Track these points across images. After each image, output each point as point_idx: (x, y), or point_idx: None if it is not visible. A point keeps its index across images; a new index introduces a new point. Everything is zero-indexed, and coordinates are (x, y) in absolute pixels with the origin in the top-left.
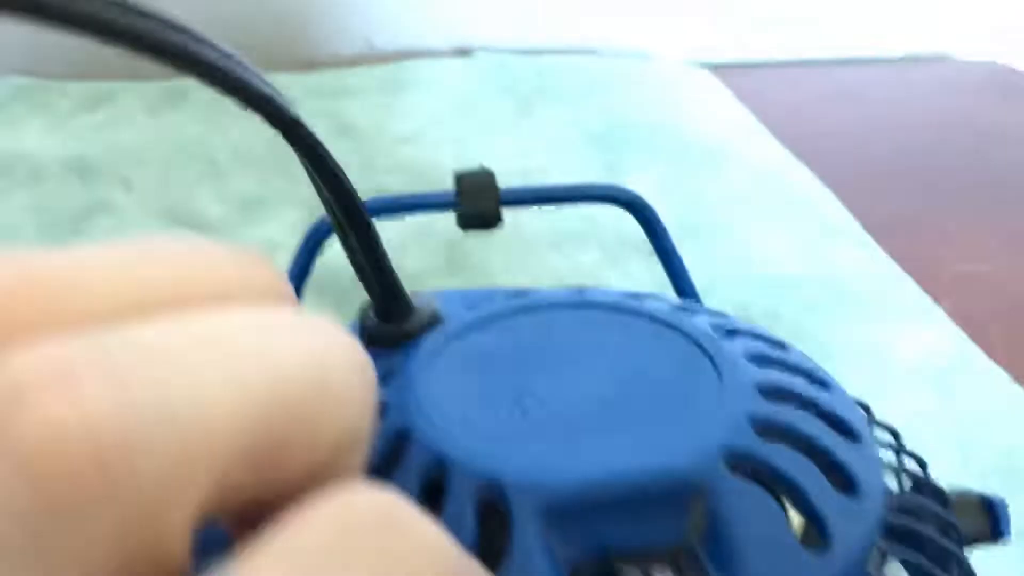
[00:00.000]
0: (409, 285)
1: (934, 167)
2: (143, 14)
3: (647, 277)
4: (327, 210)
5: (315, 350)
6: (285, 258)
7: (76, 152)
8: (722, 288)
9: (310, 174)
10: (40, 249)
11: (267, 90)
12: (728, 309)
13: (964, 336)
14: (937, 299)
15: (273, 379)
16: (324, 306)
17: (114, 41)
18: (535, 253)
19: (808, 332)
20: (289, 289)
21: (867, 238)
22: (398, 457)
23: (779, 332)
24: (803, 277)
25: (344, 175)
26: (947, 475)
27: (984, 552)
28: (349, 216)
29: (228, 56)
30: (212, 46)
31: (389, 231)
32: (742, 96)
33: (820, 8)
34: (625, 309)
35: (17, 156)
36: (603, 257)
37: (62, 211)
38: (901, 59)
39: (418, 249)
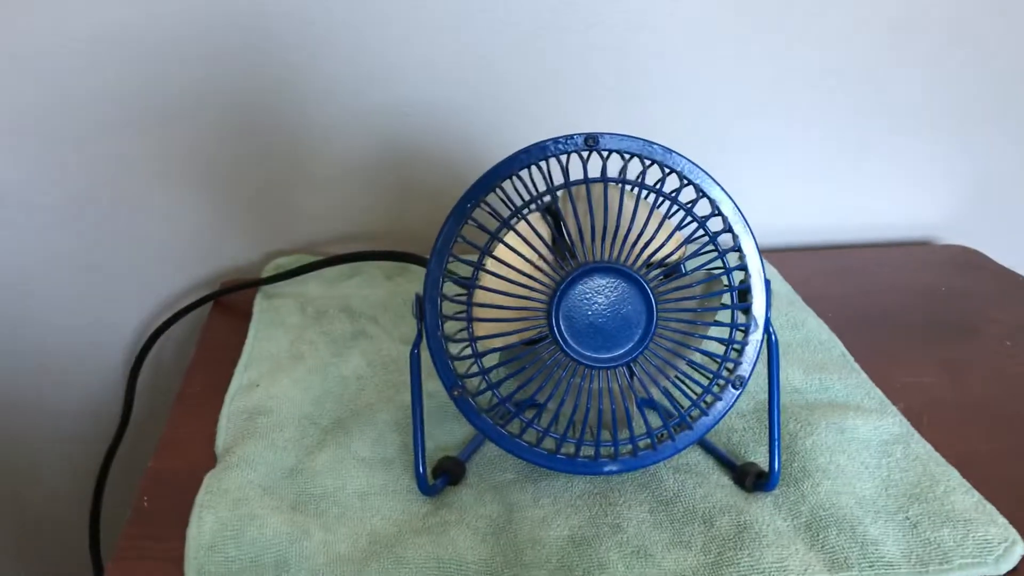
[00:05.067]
0: None
1: (901, 318)
2: None
3: None
4: None
5: None
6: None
7: (343, 301)
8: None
9: None
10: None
11: None
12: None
13: (908, 423)
14: (894, 400)
15: None
16: None
17: None
18: None
19: (807, 419)
20: None
21: (854, 364)
22: None
23: (792, 420)
24: (811, 388)
25: None
26: (872, 494)
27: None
28: None
29: None
30: None
31: None
32: (778, 268)
33: (830, 206)
34: None
35: (307, 300)
36: None
37: (338, 335)
38: (897, 243)
39: None
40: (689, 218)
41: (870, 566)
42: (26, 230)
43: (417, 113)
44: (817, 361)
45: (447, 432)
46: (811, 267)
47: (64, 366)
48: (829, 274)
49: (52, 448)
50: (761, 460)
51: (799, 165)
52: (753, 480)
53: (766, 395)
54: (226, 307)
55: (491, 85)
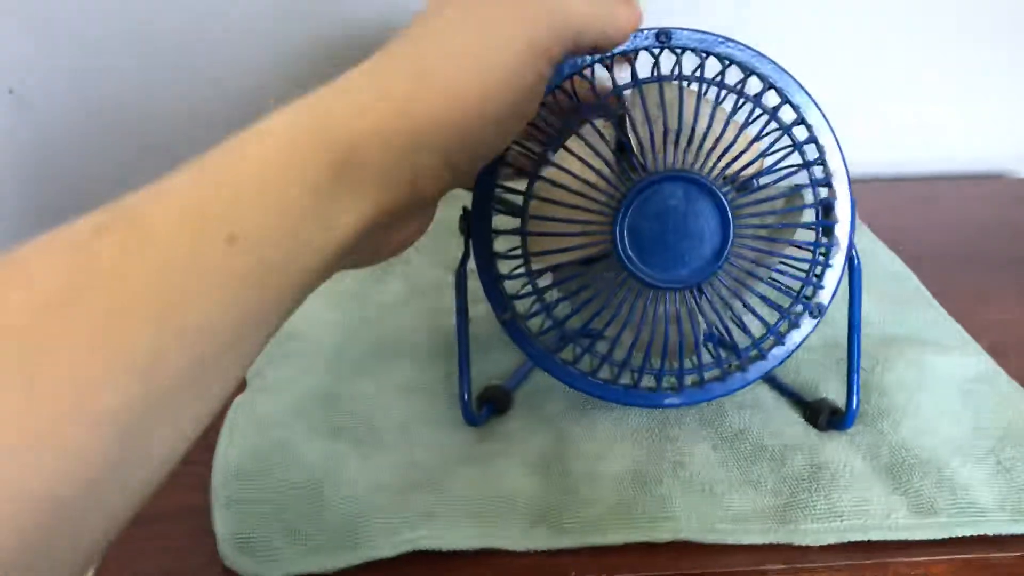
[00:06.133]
0: None
1: (981, 253)
2: None
3: None
4: None
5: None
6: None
7: None
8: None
9: None
10: None
11: None
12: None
13: (992, 362)
14: (976, 338)
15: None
16: None
17: None
18: None
19: (883, 355)
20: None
21: (931, 299)
22: None
23: (866, 356)
24: (885, 323)
25: None
26: (958, 436)
27: None
28: None
29: None
30: None
31: None
32: None
33: (907, 136)
34: None
35: None
36: None
37: None
38: (969, 176)
39: None
40: (772, 124)
41: (960, 512)
42: (48, 136)
43: None
44: (890, 294)
45: (492, 361)
46: (881, 199)
47: None
48: (901, 206)
49: None
50: (833, 397)
51: (867, 92)
52: (827, 418)
53: (835, 328)
54: None
55: None
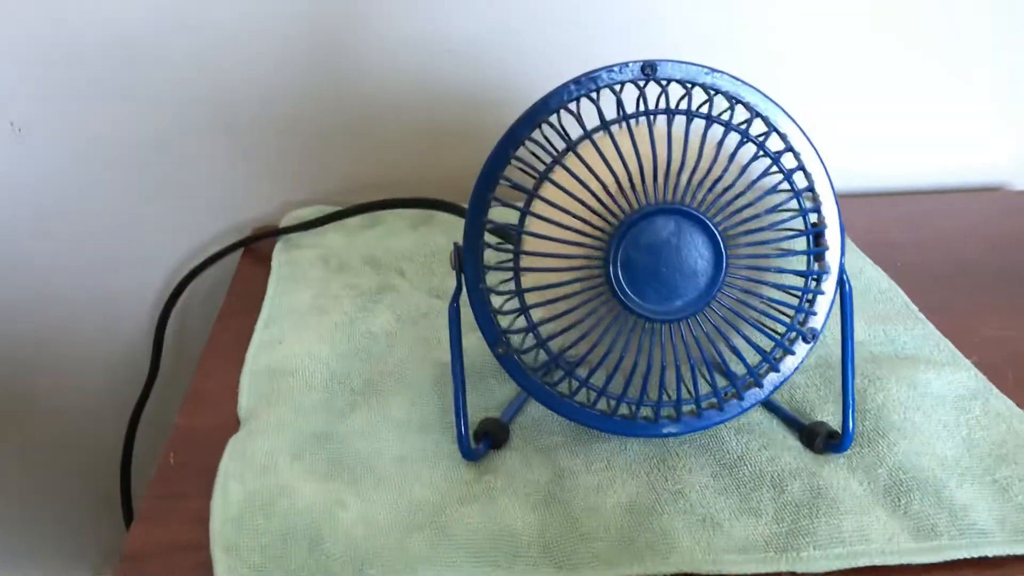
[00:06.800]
0: None
1: (976, 268)
2: None
3: None
4: None
5: None
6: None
7: (366, 252)
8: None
9: None
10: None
11: None
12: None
13: (983, 378)
14: (967, 355)
15: None
16: None
17: None
18: None
19: (874, 373)
20: None
21: (919, 314)
22: None
23: (859, 375)
24: (875, 340)
25: None
26: (954, 455)
27: None
28: None
29: None
30: None
31: None
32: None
33: (899, 148)
34: None
35: (329, 252)
36: None
37: (363, 288)
38: (967, 188)
39: None
40: (760, 154)
41: (961, 534)
42: (50, 169)
43: (457, 48)
44: (878, 311)
45: (484, 392)
46: (874, 214)
47: (91, 316)
48: (894, 222)
49: (80, 399)
50: (828, 419)
51: (857, 105)
52: (824, 441)
53: (828, 348)
54: (257, 255)
55: (541, 8)
